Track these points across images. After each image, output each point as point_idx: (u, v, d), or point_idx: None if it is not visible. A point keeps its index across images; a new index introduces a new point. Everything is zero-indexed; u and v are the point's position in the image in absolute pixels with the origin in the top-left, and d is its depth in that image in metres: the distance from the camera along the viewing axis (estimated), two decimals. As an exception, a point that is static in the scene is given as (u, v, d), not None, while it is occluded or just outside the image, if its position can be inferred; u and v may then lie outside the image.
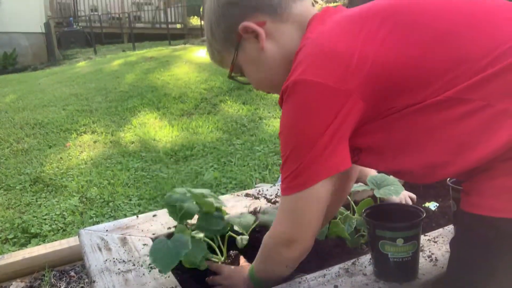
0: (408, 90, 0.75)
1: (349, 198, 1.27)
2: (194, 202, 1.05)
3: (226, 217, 1.11)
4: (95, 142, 4.21)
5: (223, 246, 1.14)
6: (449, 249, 1.05)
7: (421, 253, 1.02)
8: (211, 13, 0.91)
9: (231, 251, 1.16)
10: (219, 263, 1.12)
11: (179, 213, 1.02)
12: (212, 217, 1.07)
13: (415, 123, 0.77)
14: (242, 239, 1.15)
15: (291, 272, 0.97)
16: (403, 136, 0.79)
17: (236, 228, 1.15)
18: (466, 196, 0.80)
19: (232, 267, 1.10)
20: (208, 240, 1.09)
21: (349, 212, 1.26)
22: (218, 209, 1.10)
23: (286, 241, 0.87)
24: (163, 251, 0.91)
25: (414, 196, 1.47)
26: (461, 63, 0.73)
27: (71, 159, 3.82)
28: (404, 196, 1.44)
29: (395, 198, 1.45)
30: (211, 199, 1.07)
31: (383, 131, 0.80)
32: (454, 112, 0.73)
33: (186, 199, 1.05)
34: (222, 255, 1.14)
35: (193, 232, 1.04)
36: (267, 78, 0.93)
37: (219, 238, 1.14)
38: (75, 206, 2.94)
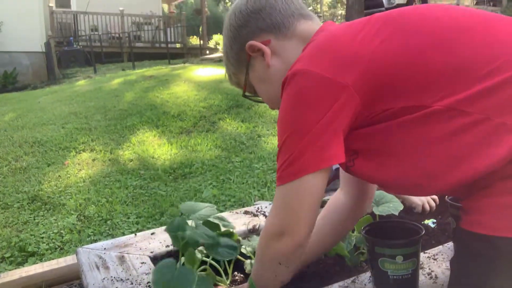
0: (405, 92, 0.76)
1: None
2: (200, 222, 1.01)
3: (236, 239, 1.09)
4: (93, 160, 4.21)
5: (229, 268, 1.12)
6: (449, 267, 1.04)
7: (420, 271, 1.01)
8: (226, 38, 1.00)
9: (236, 274, 1.14)
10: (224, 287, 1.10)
11: (181, 242, 0.97)
12: (223, 248, 1.01)
13: (414, 132, 0.76)
14: (252, 264, 1.13)
15: (287, 278, 0.92)
16: (400, 144, 0.79)
17: (244, 251, 1.14)
18: (466, 215, 0.79)
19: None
20: (213, 262, 1.07)
21: (348, 229, 1.25)
22: (228, 235, 1.06)
23: (276, 234, 0.85)
24: (167, 279, 0.87)
25: (436, 197, 1.47)
26: (460, 70, 0.74)
27: (69, 177, 3.82)
28: (427, 200, 1.43)
29: (417, 200, 1.45)
30: (216, 221, 1.05)
31: (381, 137, 0.80)
32: (453, 124, 0.73)
33: (187, 227, 0.99)
34: (227, 278, 1.12)
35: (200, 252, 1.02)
36: (276, 95, 0.94)
37: (226, 261, 1.12)
38: (73, 224, 2.92)
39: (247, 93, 1.02)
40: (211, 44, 15.85)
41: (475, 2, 13.03)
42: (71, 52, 12.03)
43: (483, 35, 0.77)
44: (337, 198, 1.12)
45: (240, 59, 0.98)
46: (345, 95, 0.76)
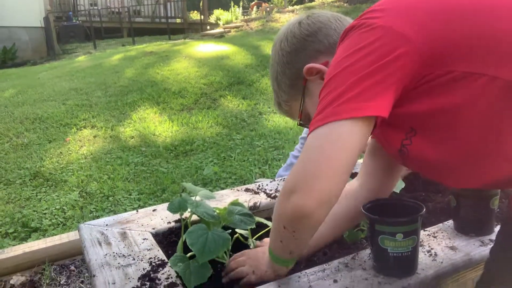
0: (470, 55, 0.68)
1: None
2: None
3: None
4: (95, 136, 4.21)
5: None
6: (448, 244, 1.05)
7: (420, 248, 1.02)
8: (276, 64, 0.95)
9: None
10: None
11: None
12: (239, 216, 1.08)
13: (479, 104, 0.68)
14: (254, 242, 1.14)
15: (298, 250, 0.85)
16: (464, 118, 0.69)
17: (243, 232, 1.15)
18: None
19: (257, 247, 1.07)
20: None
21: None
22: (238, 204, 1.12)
23: (287, 190, 0.72)
24: (202, 241, 0.94)
25: None
26: None
27: (71, 153, 3.83)
28: None
29: None
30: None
31: (441, 108, 0.70)
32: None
33: (188, 205, 1.03)
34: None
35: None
36: None
37: None
38: (75, 200, 2.95)
39: (301, 121, 0.97)
40: (212, 19, 15.64)
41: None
42: (70, 27, 11.90)
43: None
44: (352, 185, 1.07)
45: (294, 85, 0.94)
46: (406, 48, 0.67)
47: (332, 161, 0.67)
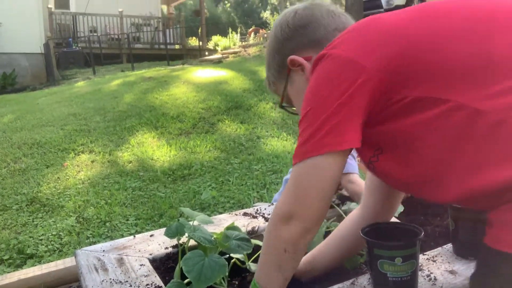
0: (428, 79, 0.73)
1: (345, 217, 1.26)
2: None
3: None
4: (92, 161, 4.21)
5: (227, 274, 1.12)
6: (448, 269, 1.04)
7: (420, 273, 1.01)
8: (270, 48, 1.02)
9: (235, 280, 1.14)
10: None
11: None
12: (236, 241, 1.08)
13: (434, 128, 0.73)
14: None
15: (290, 274, 0.87)
16: (421, 140, 0.75)
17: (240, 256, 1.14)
18: (489, 228, 0.74)
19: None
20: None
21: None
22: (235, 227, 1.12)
23: (284, 216, 0.81)
24: (198, 268, 0.94)
25: None
26: (488, 64, 0.71)
27: (68, 178, 3.81)
28: None
29: None
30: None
31: (402, 132, 0.77)
32: (468, 123, 0.70)
33: (186, 230, 1.03)
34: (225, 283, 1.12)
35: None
36: None
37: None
38: (72, 226, 2.92)
39: (284, 104, 1.04)
40: (210, 45, 15.86)
41: None
42: (70, 53, 12.03)
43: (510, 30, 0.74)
44: (354, 213, 1.12)
45: (280, 70, 1.00)
46: (365, 77, 0.74)
47: (314, 189, 0.79)
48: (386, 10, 11.49)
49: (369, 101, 0.76)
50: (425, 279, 1.01)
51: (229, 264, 1.09)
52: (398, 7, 11.28)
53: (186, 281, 0.97)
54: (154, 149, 4.48)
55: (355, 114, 0.76)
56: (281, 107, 1.05)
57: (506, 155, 0.69)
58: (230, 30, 15.71)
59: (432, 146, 0.75)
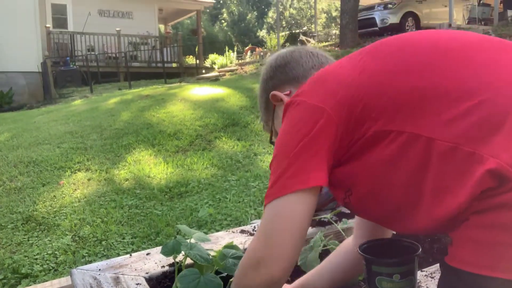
0: (383, 113, 0.75)
1: (343, 234, 1.26)
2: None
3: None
4: (89, 179, 4.19)
5: None
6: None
7: (418, 289, 1.01)
8: (259, 89, 1.12)
9: None
10: None
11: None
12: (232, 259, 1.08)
13: (390, 164, 0.76)
14: None
15: None
16: (380, 177, 0.78)
17: None
18: (450, 247, 0.76)
19: None
20: None
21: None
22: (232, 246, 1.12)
23: (254, 261, 0.80)
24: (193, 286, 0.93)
25: None
26: (432, 98, 0.73)
27: (64, 197, 3.79)
28: None
29: None
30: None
31: (364, 172, 0.80)
32: (433, 153, 0.71)
33: (182, 248, 1.03)
34: None
35: None
36: None
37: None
38: (68, 245, 2.89)
39: (273, 140, 1.09)
40: (207, 63, 15.99)
41: (467, 22, 13.25)
42: (67, 72, 12.10)
43: (460, 61, 0.76)
44: (347, 242, 1.14)
45: (267, 107, 1.09)
46: (325, 119, 0.78)
47: (286, 231, 0.77)
48: (381, 29, 11.62)
49: (333, 141, 0.78)
50: (423, 296, 1.00)
51: (226, 283, 1.07)
52: (392, 25, 11.44)
53: (182, 299, 0.96)
54: (151, 167, 4.47)
55: (319, 154, 0.78)
56: (271, 142, 1.10)
57: (458, 180, 0.70)
58: (227, 48, 15.86)
59: (395, 180, 0.76)
